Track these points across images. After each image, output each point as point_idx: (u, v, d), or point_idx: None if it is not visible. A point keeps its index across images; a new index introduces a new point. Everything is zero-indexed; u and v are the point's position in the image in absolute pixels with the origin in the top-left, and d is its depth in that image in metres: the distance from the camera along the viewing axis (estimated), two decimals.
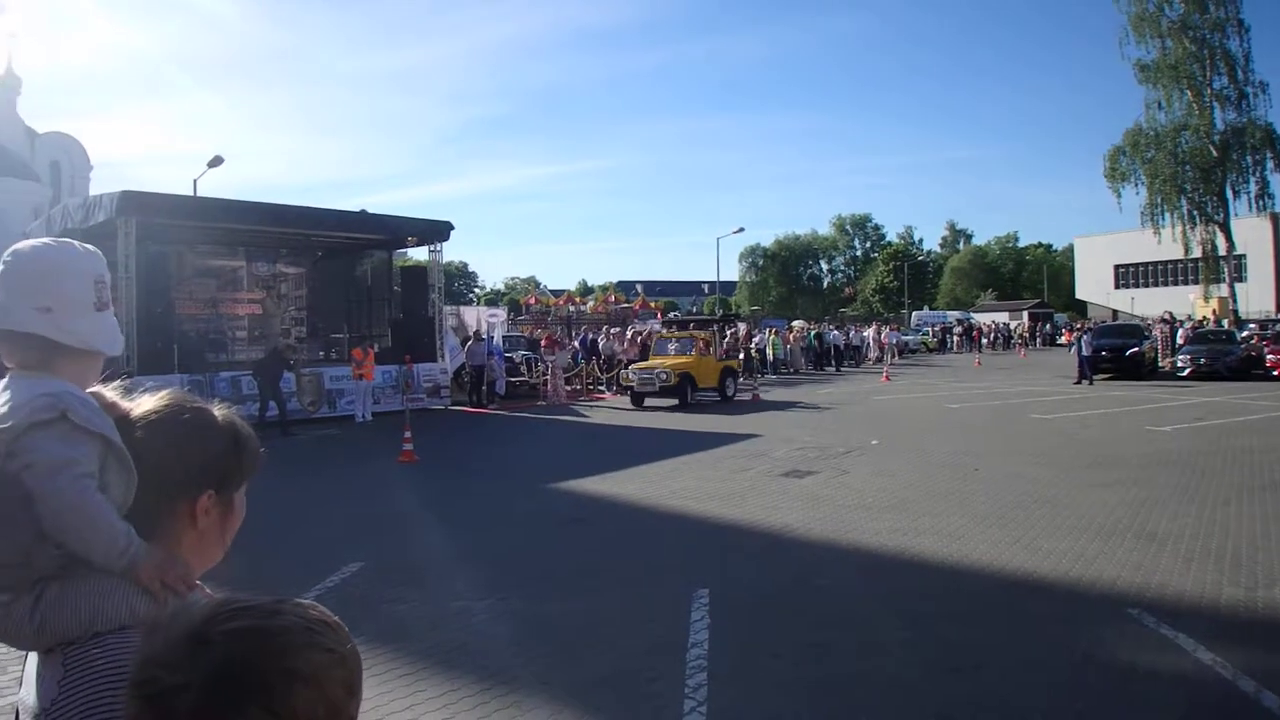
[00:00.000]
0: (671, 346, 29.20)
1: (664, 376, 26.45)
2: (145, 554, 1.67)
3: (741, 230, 68.11)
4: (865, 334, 49.80)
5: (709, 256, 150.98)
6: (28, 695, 1.69)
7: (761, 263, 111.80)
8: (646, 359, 29.48)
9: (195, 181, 32.56)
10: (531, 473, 15.79)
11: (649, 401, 27.11)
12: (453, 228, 28.83)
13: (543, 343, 32.83)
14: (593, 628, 7.57)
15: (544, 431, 22.54)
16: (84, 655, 1.60)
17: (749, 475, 14.61)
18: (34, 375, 1.71)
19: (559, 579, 9.06)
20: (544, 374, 30.07)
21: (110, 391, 1.85)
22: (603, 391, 31.50)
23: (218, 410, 1.85)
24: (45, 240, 1.80)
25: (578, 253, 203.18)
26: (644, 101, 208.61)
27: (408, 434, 17.12)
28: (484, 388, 28.05)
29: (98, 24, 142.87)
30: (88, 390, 1.78)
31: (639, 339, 33.56)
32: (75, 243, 1.81)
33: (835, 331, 47.91)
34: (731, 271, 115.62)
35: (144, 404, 1.81)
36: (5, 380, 1.73)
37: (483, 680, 6.34)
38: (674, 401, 26.73)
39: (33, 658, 1.72)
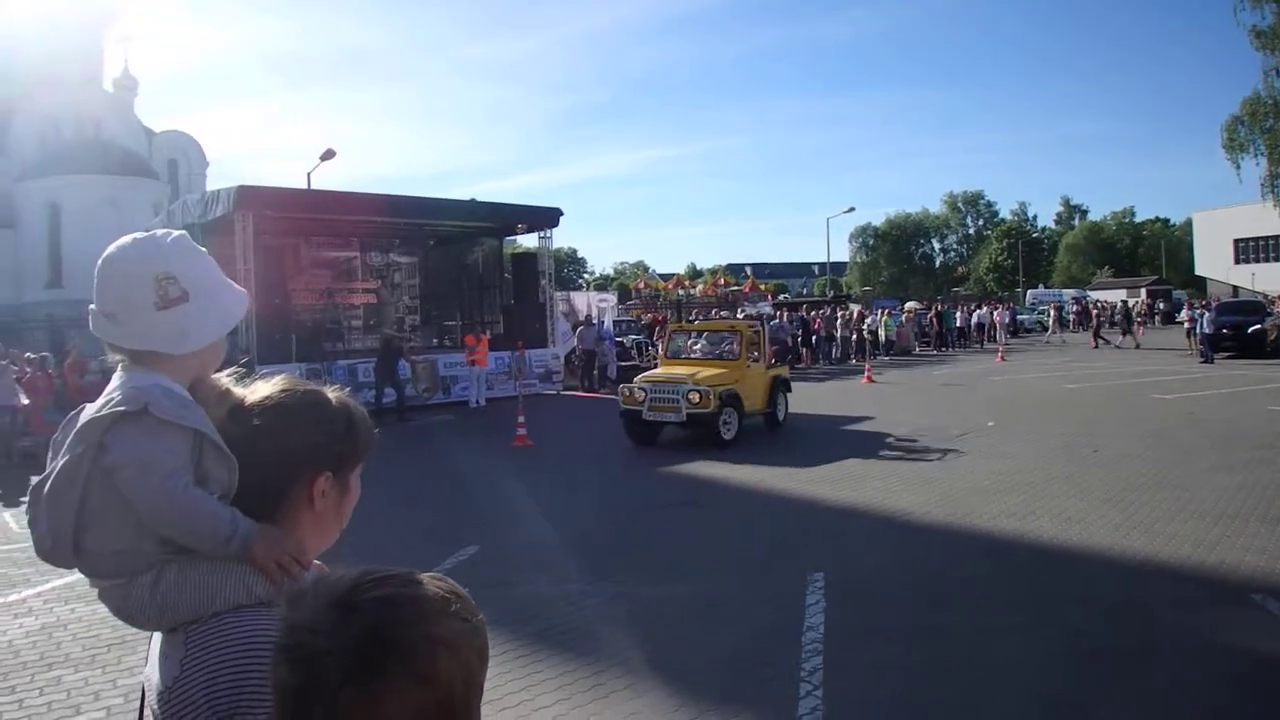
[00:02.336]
0: (697, 345, 18.84)
1: (695, 397, 15.99)
2: (257, 535, 1.71)
3: (852, 210, 67.57)
4: (980, 314, 48.82)
5: (819, 237, 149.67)
6: (153, 673, 1.73)
7: (872, 242, 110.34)
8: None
9: (309, 175, 33.18)
10: (643, 456, 15.82)
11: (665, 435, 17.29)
12: (562, 214, 29.02)
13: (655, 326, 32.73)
14: (707, 611, 7.54)
15: None
16: (204, 634, 1.65)
17: (864, 458, 14.47)
18: (134, 370, 1.77)
19: (672, 562, 9.04)
20: (655, 357, 29.99)
21: (224, 379, 1.88)
22: None
23: (331, 393, 1.88)
24: (121, 241, 1.83)
25: (686, 236, 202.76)
26: (750, 83, 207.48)
27: (521, 419, 17.24)
28: (595, 372, 28.16)
29: (210, 23, 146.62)
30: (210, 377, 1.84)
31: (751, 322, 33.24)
32: (146, 237, 1.83)
33: (953, 312, 47.13)
34: (842, 252, 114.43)
35: (259, 389, 1.84)
36: (116, 374, 1.79)
37: (598, 662, 6.38)
38: (702, 441, 16.46)
39: (158, 636, 1.77)
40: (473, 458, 16.59)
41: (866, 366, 30.18)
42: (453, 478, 14.28)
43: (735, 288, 44.53)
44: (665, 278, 54.27)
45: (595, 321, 30.02)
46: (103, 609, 5.57)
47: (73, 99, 59.14)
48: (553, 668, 6.28)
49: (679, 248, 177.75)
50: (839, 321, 38.58)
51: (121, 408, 1.66)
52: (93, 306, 1.81)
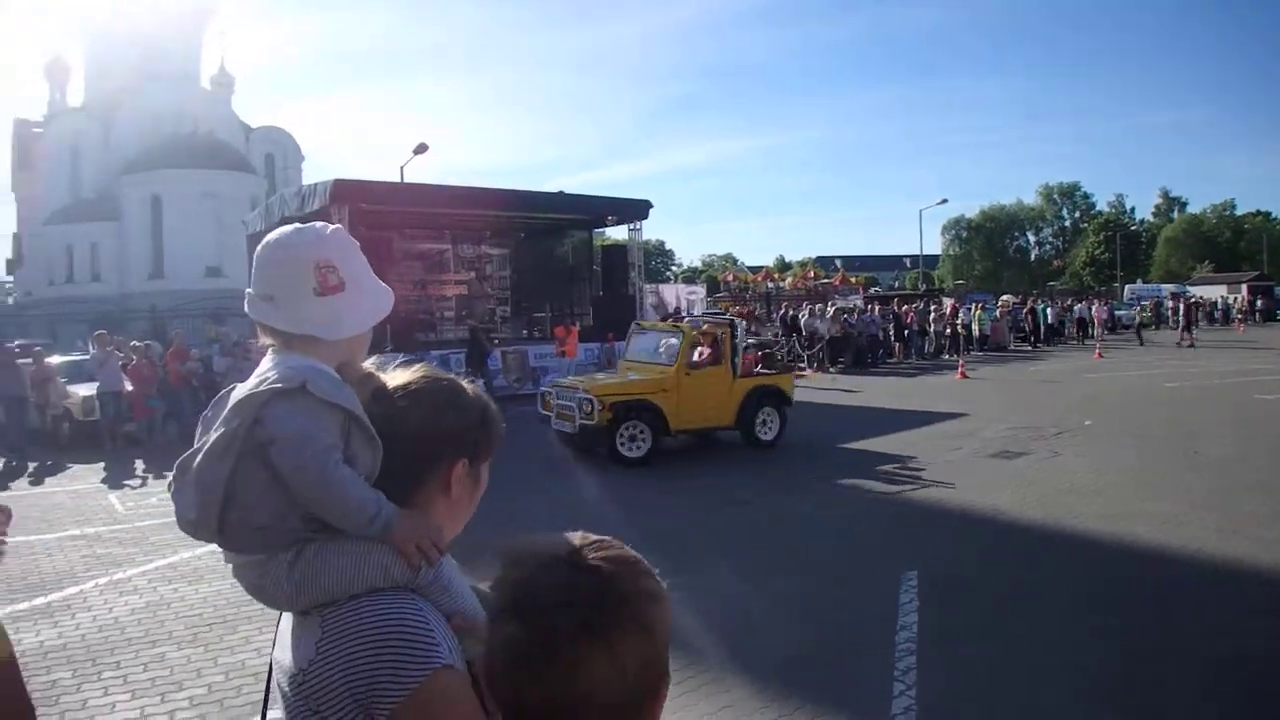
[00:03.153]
0: (661, 345, 16.10)
1: (588, 407, 14.39)
2: (399, 519, 1.73)
3: (944, 201, 66.75)
4: (1079, 308, 47.77)
5: (910, 229, 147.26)
6: (283, 656, 1.76)
7: (965, 235, 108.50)
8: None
9: (402, 168, 33.61)
10: (729, 449, 15.71)
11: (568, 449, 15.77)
12: (651, 206, 28.98)
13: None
14: (800, 607, 7.49)
15: None
16: (340, 617, 1.67)
17: (957, 455, 14.23)
18: (283, 354, 1.81)
19: (762, 557, 8.97)
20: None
21: (367, 364, 1.94)
22: (804, 369, 31.09)
23: (466, 384, 1.95)
24: (282, 229, 1.88)
25: (775, 228, 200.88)
26: (840, 71, 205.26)
27: None
28: None
29: (304, 19, 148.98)
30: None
31: (842, 316, 32.93)
32: (307, 226, 1.89)
33: (1047, 307, 46.16)
34: (934, 245, 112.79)
35: (399, 376, 1.91)
36: (267, 357, 1.84)
37: (687, 655, 6.32)
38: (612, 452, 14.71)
39: (287, 619, 1.81)
40: (560, 447, 16.65)
41: (960, 362, 29.77)
42: (541, 467, 14.34)
43: (825, 280, 44.26)
44: (754, 270, 54.08)
45: (684, 314, 29.90)
46: (205, 588, 5.74)
47: (173, 97, 60.66)
48: None
49: (767, 240, 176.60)
50: (931, 316, 38.06)
51: (279, 384, 1.70)
52: (249, 290, 1.86)
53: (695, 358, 15.60)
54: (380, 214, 25.14)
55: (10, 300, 53.82)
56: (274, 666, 1.82)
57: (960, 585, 7.95)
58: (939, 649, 6.46)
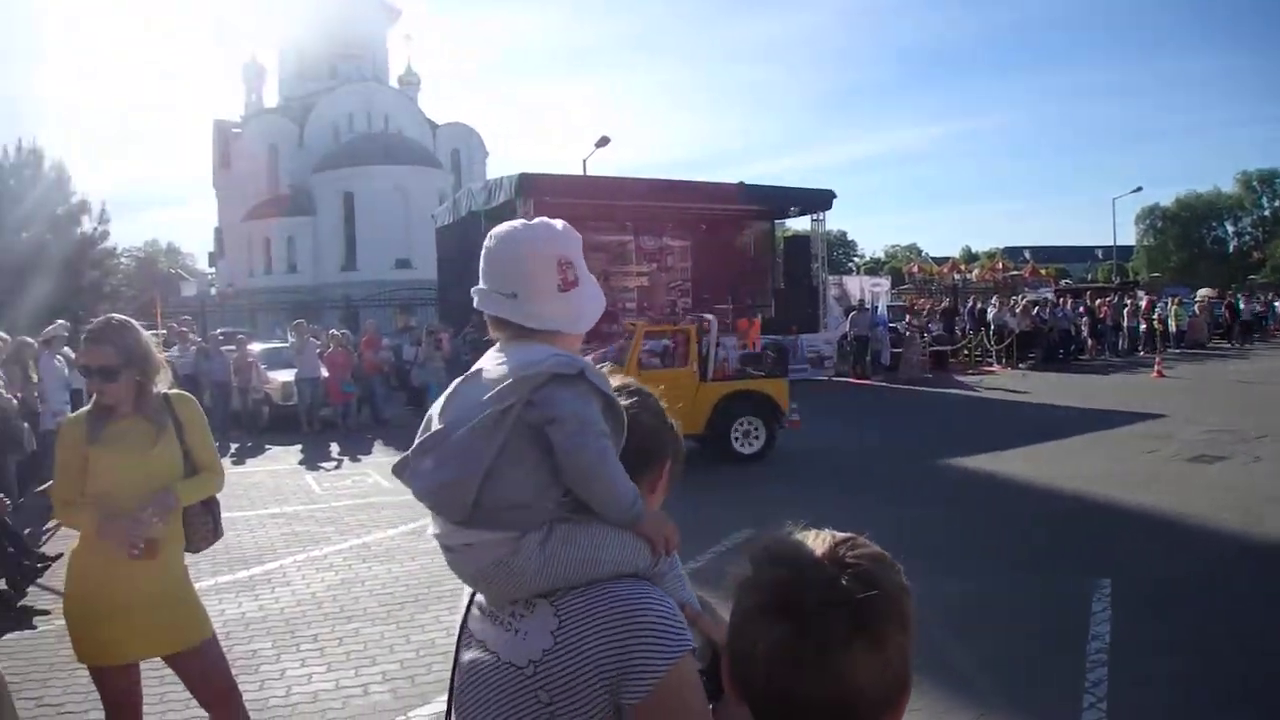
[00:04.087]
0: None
1: None
2: (646, 510, 1.82)
3: (1138, 190, 64.09)
4: (1277, 305, 45.19)
5: (1102, 219, 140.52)
6: (500, 647, 1.79)
7: (1160, 225, 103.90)
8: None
9: (584, 161, 33.88)
10: (918, 446, 15.34)
11: None
12: (835, 196, 28.36)
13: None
14: (985, 611, 7.17)
15: (930, 404, 21.91)
16: (583, 604, 1.72)
17: (1153, 458, 13.46)
18: (519, 344, 1.87)
19: (948, 558, 8.61)
20: (928, 345, 29.24)
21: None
22: (991, 364, 30.24)
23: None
24: (516, 223, 1.97)
25: (959, 217, 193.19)
26: (1025, 54, 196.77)
27: (794, 404, 17.01)
28: (868, 358, 27.61)
29: (485, 18, 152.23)
30: None
31: (1033, 310, 31.84)
32: (545, 223, 1.96)
33: (1245, 302, 43.81)
34: (1128, 235, 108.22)
35: (613, 378, 1.96)
36: (497, 346, 1.92)
37: None
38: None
39: (482, 621, 1.87)
40: None
41: (1156, 359, 28.37)
42: (725, 461, 14.20)
43: (1014, 272, 42.87)
44: (939, 261, 52.90)
45: (869, 306, 29.44)
46: (397, 568, 5.79)
47: (363, 96, 62.77)
48: None
49: (952, 230, 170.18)
50: (1126, 310, 36.49)
51: (557, 369, 1.75)
52: (482, 286, 1.92)
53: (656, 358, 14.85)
54: (564, 206, 25.30)
55: (213, 291, 56.27)
56: (469, 666, 1.87)
57: (1155, 596, 7.52)
58: (1131, 661, 6.12)
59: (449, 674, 1.96)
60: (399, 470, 1.87)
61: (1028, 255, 52.05)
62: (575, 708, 1.66)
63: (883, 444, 15.84)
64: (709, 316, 14.62)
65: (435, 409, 1.88)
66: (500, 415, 1.72)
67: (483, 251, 1.94)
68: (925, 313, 33.68)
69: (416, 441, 1.85)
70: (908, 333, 27.41)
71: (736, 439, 14.31)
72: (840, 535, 1.37)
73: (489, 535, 1.75)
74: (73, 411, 4.58)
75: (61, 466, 3.95)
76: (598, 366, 1.90)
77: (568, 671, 1.67)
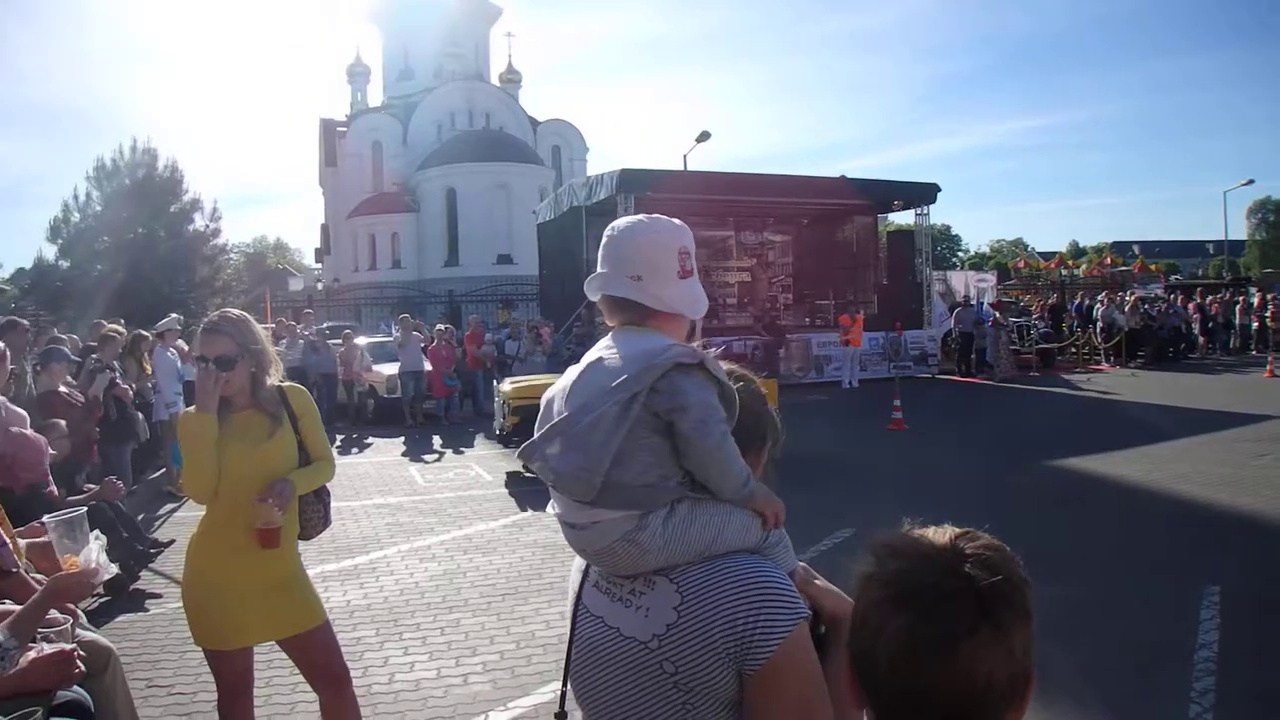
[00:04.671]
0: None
1: (506, 409, 14.05)
2: (758, 489, 1.91)
3: (1250, 182, 61.37)
4: None
5: (1213, 213, 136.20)
6: (621, 622, 1.91)
7: (1273, 219, 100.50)
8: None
9: (684, 156, 33.78)
10: (1022, 446, 14.97)
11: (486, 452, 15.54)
12: (939, 190, 28.05)
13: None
14: (1088, 617, 6.92)
15: (1035, 403, 21.40)
16: (702, 579, 1.82)
17: (1265, 462, 12.90)
18: (636, 331, 2.00)
19: (1051, 561, 8.30)
20: (1036, 341, 28.64)
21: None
22: (1099, 362, 29.54)
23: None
24: (638, 216, 2.09)
25: (1065, 211, 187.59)
26: (1137, 40, 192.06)
27: (897, 401, 16.82)
28: (973, 355, 27.15)
29: (584, 14, 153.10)
30: None
31: (1141, 307, 31.00)
32: (662, 218, 2.07)
33: None
34: (1239, 229, 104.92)
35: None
36: (610, 336, 2.04)
37: None
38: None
39: (599, 598, 1.99)
40: (847, 439, 16.36)
41: (1269, 359, 27.39)
42: (827, 458, 14.03)
43: (1123, 268, 41.85)
44: (1045, 256, 51.81)
45: (974, 303, 28.95)
46: (498, 560, 5.80)
47: (465, 94, 63.48)
48: None
49: (1058, 224, 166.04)
50: (1238, 307, 35.38)
51: (680, 359, 1.85)
52: (603, 270, 2.04)
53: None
54: (664, 202, 25.30)
55: (319, 285, 57.29)
56: (588, 642, 1.98)
57: (1266, 605, 7.18)
58: (1240, 671, 5.87)
59: (563, 654, 2.07)
60: (527, 454, 1.97)
61: (1136, 250, 50.84)
62: (699, 678, 1.77)
63: (987, 443, 15.52)
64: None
65: (555, 395, 2.01)
66: (627, 402, 1.82)
67: (604, 241, 2.06)
68: (1034, 309, 33.09)
69: (541, 427, 1.97)
70: (994, 330, 26.58)
71: None
72: (958, 529, 1.39)
73: (616, 513, 1.85)
74: (185, 403, 4.66)
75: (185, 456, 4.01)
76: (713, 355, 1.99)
77: (692, 644, 1.77)
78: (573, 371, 2.01)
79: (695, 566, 1.84)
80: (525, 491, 11.81)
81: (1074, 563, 8.36)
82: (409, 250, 60.00)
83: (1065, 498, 11.11)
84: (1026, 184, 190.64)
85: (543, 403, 2.06)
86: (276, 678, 5.79)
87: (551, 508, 2.02)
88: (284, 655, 4.36)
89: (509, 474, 13.21)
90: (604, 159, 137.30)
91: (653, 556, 1.84)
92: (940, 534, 1.37)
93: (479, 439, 17.42)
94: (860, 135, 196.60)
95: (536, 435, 1.96)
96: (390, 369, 20.26)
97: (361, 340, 22.56)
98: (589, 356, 2.01)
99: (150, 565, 8.68)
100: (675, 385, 1.83)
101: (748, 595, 1.78)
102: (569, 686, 2.06)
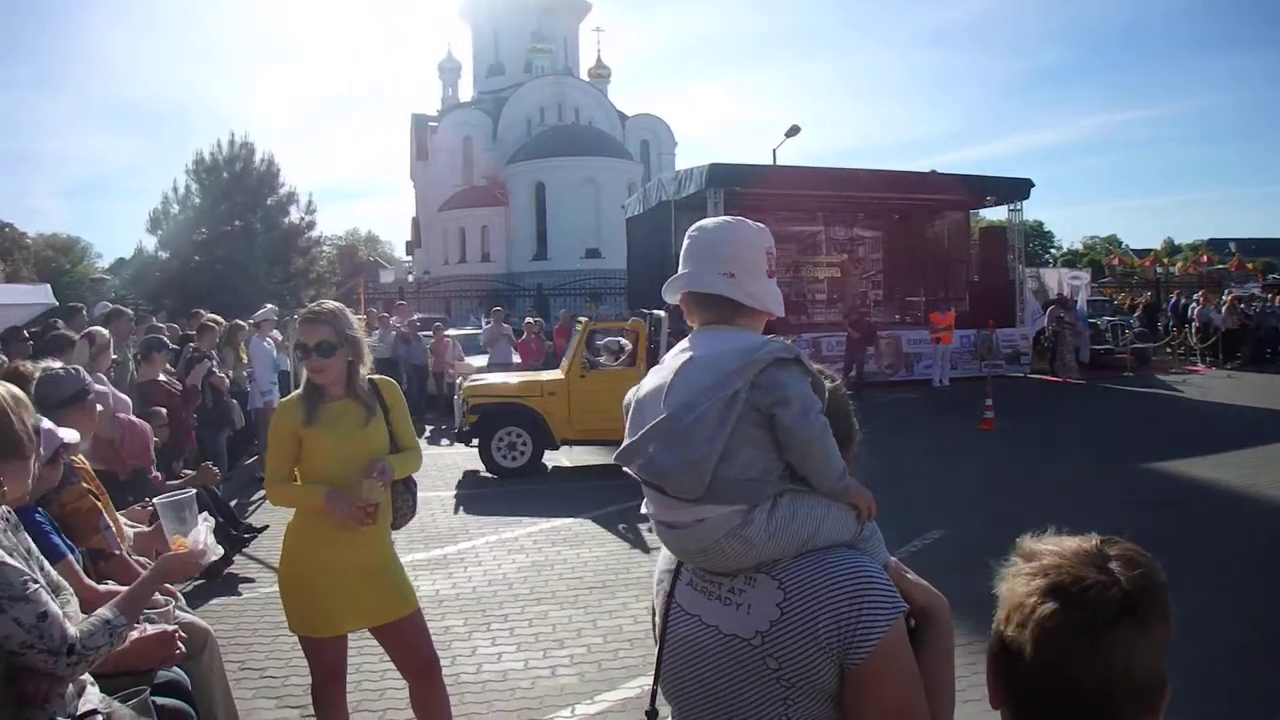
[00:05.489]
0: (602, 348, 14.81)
1: (465, 407, 13.54)
2: (853, 483, 1.95)
3: None
4: None
5: None
6: (720, 620, 1.92)
7: None
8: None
9: (774, 151, 33.60)
10: (1117, 448, 14.62)
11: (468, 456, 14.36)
12: (1032, 185, 27.43)
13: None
14: (1195, 625, 6.73)
15: (1130, 404, 20.89)
16: (805, 574, 1.85)
17: None
18: (721, 328, 2.03)
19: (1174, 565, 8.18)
20: (1130, 341, 28.02)
21: None
22: (1195, 363, 28.80)
23: None
24: (724, 218, 2.14)
25: (1160, 207, 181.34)
26: (1234, 30, 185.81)
27: (989, 401, 16.55)
28: (1067, 354, 26.61)
29: (672, 8, 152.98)
30: None
31: (1239, 306, 30.08)
32: (746, 220, 2.13)
33: None
34: None
35: None
36: (693, 335, 2.06)
37: None
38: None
39: (692, 596, 2.01)
40: (938, 439, 16.17)
41: None
42: (917, 458, 13.82)
43: (1219, 266, 40.84)
44: (1140, 254, 50.78)
45: (1068, 301, 28.40)
46: (585, 553, 5.85)
47: (554, 89, 63.82)
48: None
49: (1153, 220, 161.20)
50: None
51: (779, 354, 1.89)
52: (689, 270, 2.07)
53: (607, 357, 14.20)
54: (754, 197, 25.22)
55: (410, 278, 58.06)
56: (685, 640, 1.99)
57: None
58: None
59: (651, 649, 2.09)
60: (626, 457, 2.00)
61: (1233, 248, 49.49)
62: (802, 673, 1.81)
63: (1080, 444, 15.21)
64: (659, 312, 13.73)
65: (644, 398, 2.03)
66: (730, 399, 1.85)
67: (689, 241, 2.11)
68: (1128, 306, 32.44)
69: (634, 429, 2.00)
70: (1058, 329, 25.85)
71: None
72: (1102, 536, 1.48)
73: (722, 509, 1.87)
74: (279, 392, 4.76)
75: (275, 447, 4.12)
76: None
77: (797, 639, 1.81)
78: (657, 374, 2.04)
79: (796, 562, 1.87)
80: (612, 486, 11.81)
81: (1177, 569, 8.09)
82: (498, 244, 60.52)
83: (1162, 502, 10.83)
84: (1120, 179, 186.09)
85: (629, 405, 2.08)
86: (366, 664, 5.87)
87: (646, 508, 2.05)
88: (374, 642, 4.43)
89: (596, 467, 13.26)
90: (692, 153, 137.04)
91: (758, 551, 1.87)
92: (1082, 539, 1.47)
93: None
94: (949, 129, 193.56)
95: (633, 437, 1.98)
96: (480, 361, 20.41)
97: (451, 332, 22.79)
98: (674, 357, 2.03)
99: (244, 550, 8.87)
100: (776, 379, 1.87)
101: (851, 589, 1.81)
102: (659, 685, 2.09)
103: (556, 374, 14.06)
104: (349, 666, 4.45)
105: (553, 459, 14.36)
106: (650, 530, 2.53)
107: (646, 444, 1.93)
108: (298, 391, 4.19)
